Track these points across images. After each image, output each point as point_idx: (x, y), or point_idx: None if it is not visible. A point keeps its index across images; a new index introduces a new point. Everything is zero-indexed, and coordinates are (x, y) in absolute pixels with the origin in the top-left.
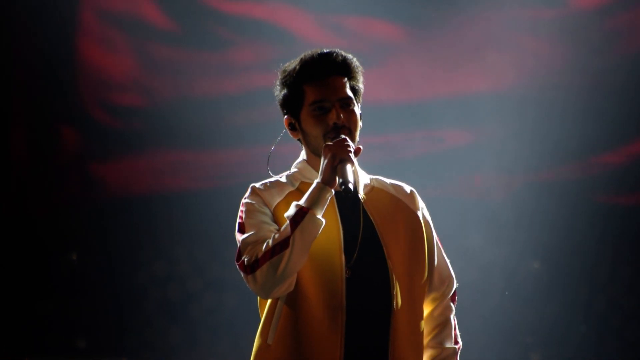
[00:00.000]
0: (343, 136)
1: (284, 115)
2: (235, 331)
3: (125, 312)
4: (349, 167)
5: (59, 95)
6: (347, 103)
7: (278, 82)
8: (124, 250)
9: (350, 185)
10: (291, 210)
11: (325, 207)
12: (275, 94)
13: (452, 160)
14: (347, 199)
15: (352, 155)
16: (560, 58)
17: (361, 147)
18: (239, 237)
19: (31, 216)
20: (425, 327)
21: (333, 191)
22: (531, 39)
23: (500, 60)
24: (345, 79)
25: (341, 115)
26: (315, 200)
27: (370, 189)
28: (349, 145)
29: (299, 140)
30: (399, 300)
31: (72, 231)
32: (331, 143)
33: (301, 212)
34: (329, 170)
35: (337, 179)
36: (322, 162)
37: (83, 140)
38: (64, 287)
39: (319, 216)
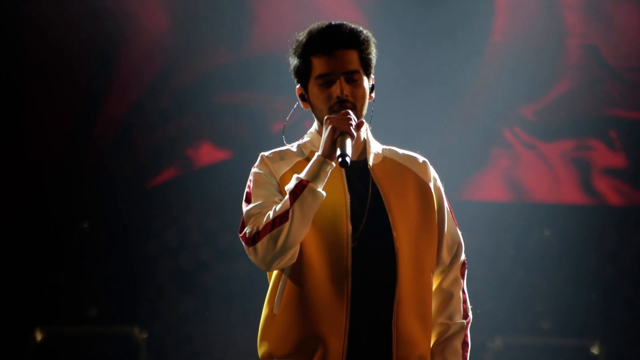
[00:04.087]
0: (347, 110)
1: (296, 84)
2: (247, 299)
3: (136, 281)
4: (348, 140)
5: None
6: (353, 78)
7: (291, 52)
8: (134, 219)
9: (347, 159)
10: (291, 183)
11: (326, 179)
12: (290, 63)
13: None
14: (356, 168)
15: (352, 129)
16: None
17: (364, 120)
18: (244, 207)
19: (43, 186)
20: (434, 300)
21: (334, 164)
22: None
23: None
24: (355, 51)
25: (345, 88)
26: (315, 173)
27: (382, 159)
28: (350, 119)
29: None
30: (402, 271)
31: (83, 200)
32: (333, 116)
33: (300, 185)
34: (329, 144)
35: (336, 151)
36: (323, 135)
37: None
38: (75, 256)
39: (320, 189)
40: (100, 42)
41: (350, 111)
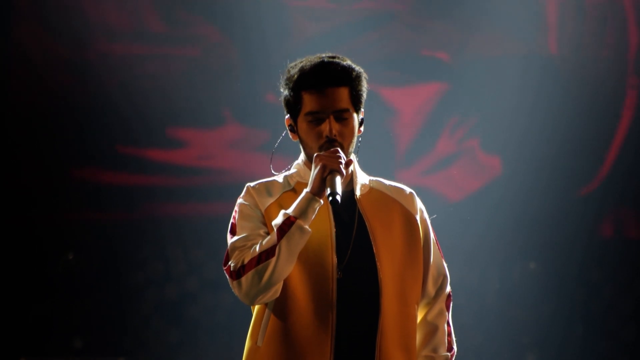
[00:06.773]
0: (336, 147)
1: (286, 114)
2: (232, 331)
3: (122, 313)
4: (338, 178)
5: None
6: (342, 116)
7: (282, 81)
8: (120, 250)
9: (338, 197)
10: (279, 219)
11: (314, 216)
12: (281, 92)
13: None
14: (343, 198)
15: (342, 167)
16: None
17: (352, 159)
18: (229, 238)
19: (29, 217)
20: (418, 332)
21: (322, 201)
22: None
23: None
24: (346, 88)
25: (334, 127)
26: (303, 210)
27: (368, 190)
28: (340, 157)
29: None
30: (385, 303)
31: (68, 231)
32: (322, 153)
33: (288, 222)
34: (318, 181)
35: (326, 189)
36: (312, 172)
37: (79, 144)
38: (60, 287)
39: (306, 226)
40: None
41: (338, 149)
